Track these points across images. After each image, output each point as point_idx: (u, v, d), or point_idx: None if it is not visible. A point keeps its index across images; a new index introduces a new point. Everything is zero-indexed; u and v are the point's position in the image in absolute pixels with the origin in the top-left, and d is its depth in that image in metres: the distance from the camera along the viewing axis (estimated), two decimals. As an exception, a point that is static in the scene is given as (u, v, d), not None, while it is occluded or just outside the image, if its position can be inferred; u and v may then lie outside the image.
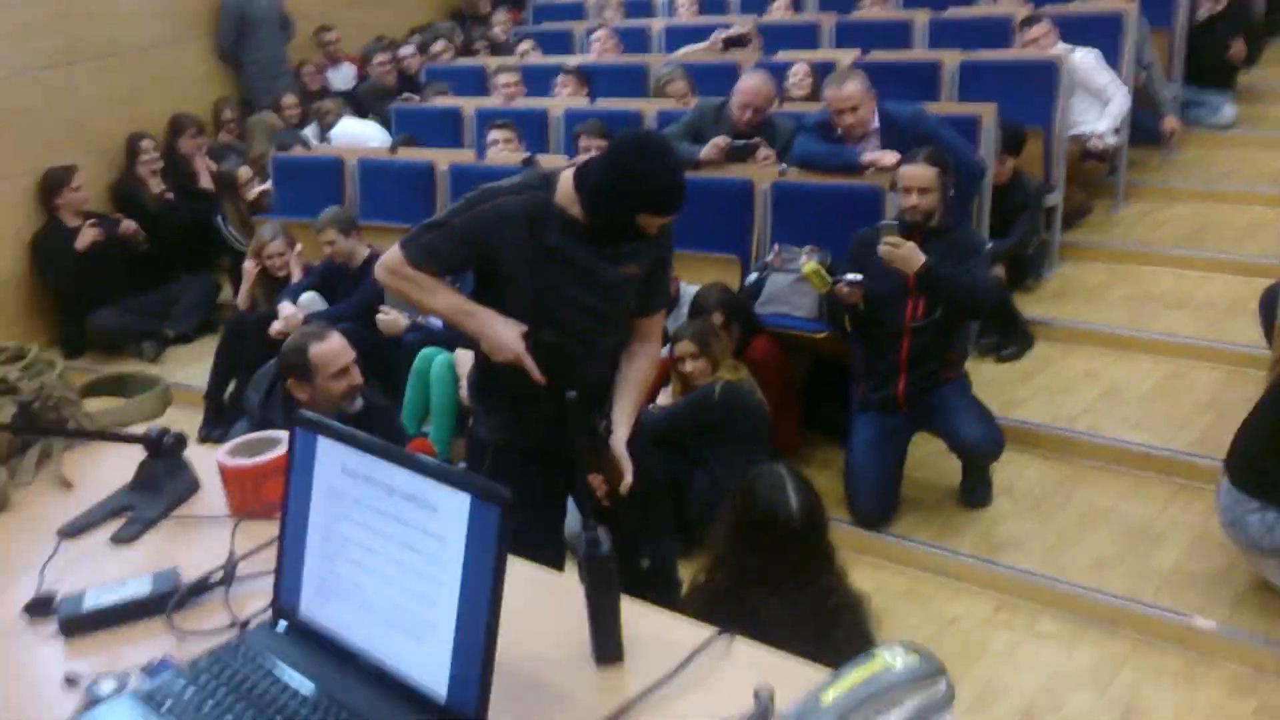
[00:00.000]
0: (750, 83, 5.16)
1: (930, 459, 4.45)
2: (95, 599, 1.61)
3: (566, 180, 2.62)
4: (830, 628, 2.39)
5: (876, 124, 4.82)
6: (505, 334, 2.60)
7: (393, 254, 2.65)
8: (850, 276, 3.94)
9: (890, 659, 1.22)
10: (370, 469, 1.39)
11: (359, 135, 6.92)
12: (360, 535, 1.40)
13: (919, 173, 4.02)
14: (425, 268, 2.61)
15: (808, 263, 4.07)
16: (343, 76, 8.57)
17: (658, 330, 2.93)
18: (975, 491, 4.21)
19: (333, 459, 1.44)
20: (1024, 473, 4.38)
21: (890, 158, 4.53)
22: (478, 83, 7.50)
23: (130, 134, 7.24)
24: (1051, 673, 3.37)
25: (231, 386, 5.45)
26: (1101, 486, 4.25)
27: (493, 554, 1.24)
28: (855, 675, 1.21)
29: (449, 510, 1.29)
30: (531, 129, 6.24)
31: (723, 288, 4.46)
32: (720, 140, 5.03)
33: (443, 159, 5.88)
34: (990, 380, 4.90)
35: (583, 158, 5.06)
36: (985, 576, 3.83)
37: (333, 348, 3.44)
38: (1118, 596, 3.59)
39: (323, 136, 7.11)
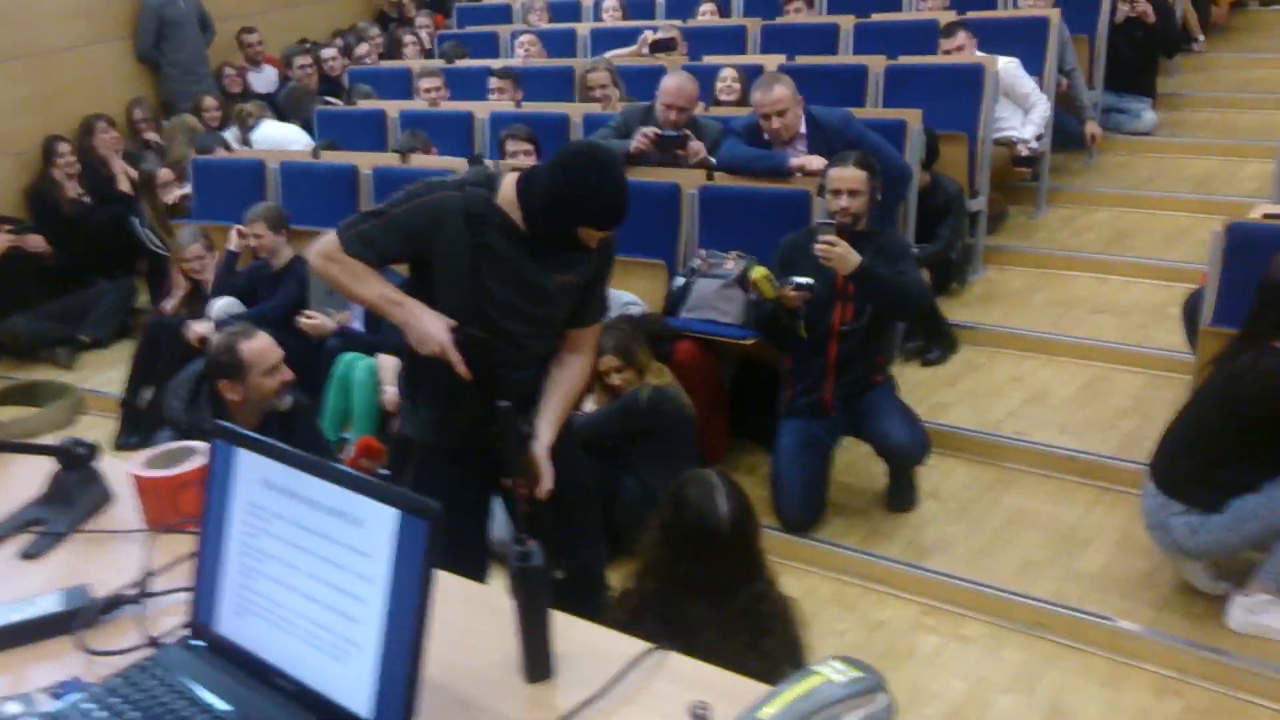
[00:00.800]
0: (673, 83, 5.13)
1: (857, 463, 4.47)
2: (1, 617, 1.53)
3: (509, 185, 2.62)
4: (760, 635, 2.37)
5: (804, 128, 4.83)
6: (432, 326, 2.56)
7: (328, 240, 2.62)
8: (800, 280, 3.93)
9: (829, 673, 1.20)
10: (293, 482, 1.34)
11: (281, 139, 6.80)
12: (282, 551, 1.35)
13: (849, 175, 4.05)
14: (359, 256, 2.58)
15: (756, 268, 4.05)
16: (265, 79, 8.43)
17: (592, 342, 2.94)
18: (902, 495, 4.23)
19: (253, 472, 1.39)
20: (950, 477, 4.42)
21: (818, 162, 4.55)
22: (403, 85, 7.41)
23: (46, 136, 7.07)
24: (978, 676, 3.39)
25: (150, 393, 5.32)
26: (1028, 490, 4.30)
27: (420, 570, 1.20)
28: (794, 691, 1.18)
29: (375, 525, 1.24)
30: (457, 132, 6.18)
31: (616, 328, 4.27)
32: (648, 130, 5.00)
33: (366, 162, 5.79)
34: (916, 385, 4.95)
35: (512, 162, 5.05)
36: (911, 581, 3.84)
37: (262, 345, 3.47)
38: (1043, 600, 3.62)
39: (243, 140, 6.97)
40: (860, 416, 4.14)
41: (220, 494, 1.43)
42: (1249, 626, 3.35)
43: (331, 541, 1.29)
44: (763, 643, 2.31)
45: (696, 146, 4.98)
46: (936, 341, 5.24)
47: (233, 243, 5.57)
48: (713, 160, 4.97)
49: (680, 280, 4.75)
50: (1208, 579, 3.51)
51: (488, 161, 5.25)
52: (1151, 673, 3.33)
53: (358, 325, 4.96)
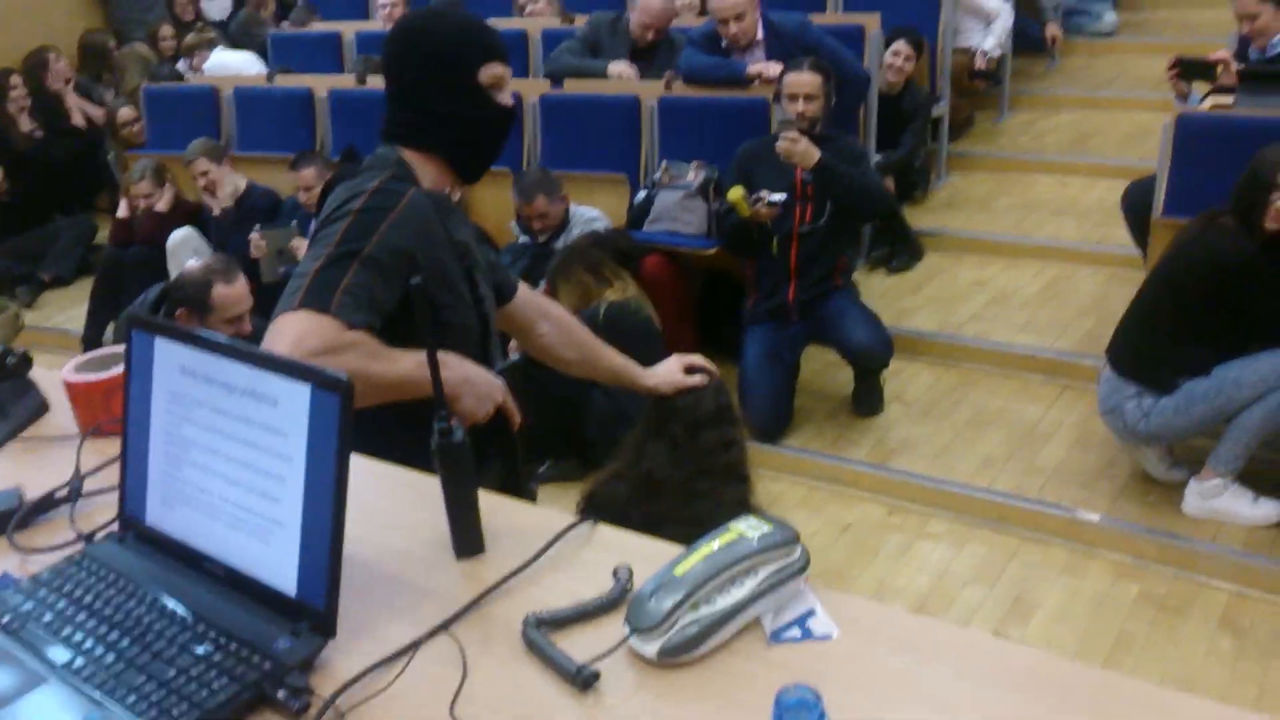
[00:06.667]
0: (656, 5, 5.11)
1: (824, 371, 4.50)
2: (-69, 521, 1.52)
3: (414, 156, 1.94)
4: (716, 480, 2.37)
5: (762, 34, 4.79)
6: (486, 375, 1.81)
7: (308, 325, 1.65)
8: (773, 197, 3.95)
9: (744, 529, 1.21)
10: (208, 367, 1.32)
11: (235, 67, 6.68)
12: (203, 437, 1.34)
13: (804, 79, 4.05)
14: (368, 324, 1.71)
15: (733, 189, 4.03)
16: (218, 6, 8.25)
17: (542, 298, 2.41)
18: (868, 400, 4.26)
19: (171, 360, 1.38)
20: (915, 380, 4.45)
21: (776, 69, 4.51)
22: (359, 5, 7.29)
23: (-4, 69, 6.92)
24: (942, 570, 3.44)
25: (110, 329, 5.28)
26: (990, 390, 4.34)
27: (335, 443, 1.19)
28: (709, 546, 1.19)
29: (289, 402, 1.23)
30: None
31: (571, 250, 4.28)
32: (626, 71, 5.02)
33: (322, 85, 5.72)
34: (882, 292, 4.97)
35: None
36: (878, 482, 3.89)
37: (236, 293, 3.38)
38: (1005, 494, 3.67)
39: (195, 70, 6.85)
40: (823, 322, 4.16)
41: (141, 386, 1.41)
42: (1203, 511, 3.41)
43: (249, 423, 1.28)
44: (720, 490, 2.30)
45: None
46: (902, 248, 5.26)
47: (121, 209, 5.50)
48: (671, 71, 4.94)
49: (642, 193, 4.73)
50: (1163, 467, 3.56)
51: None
52: (1110, 559, 3.39)
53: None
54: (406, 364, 1.70)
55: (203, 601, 1.29)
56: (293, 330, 1.64)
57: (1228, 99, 3.95)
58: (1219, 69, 4.07)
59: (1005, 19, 6.00)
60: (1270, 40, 4.21)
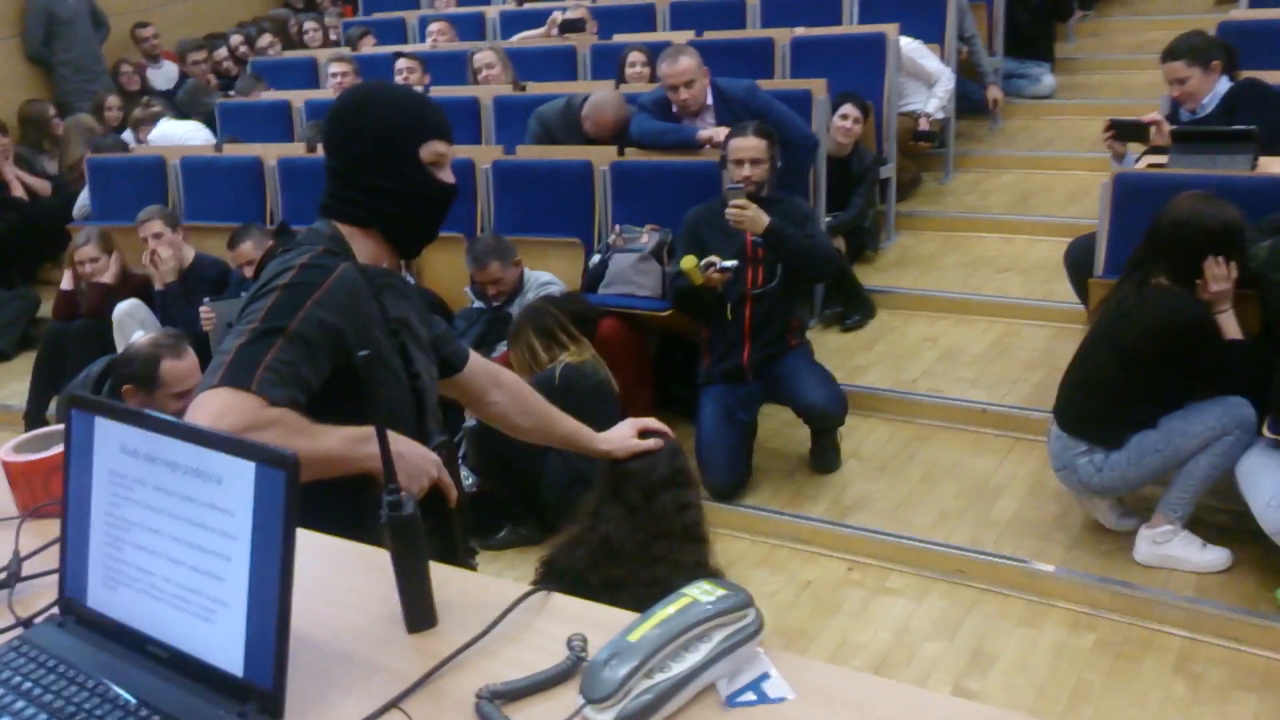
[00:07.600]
0: (608, 116, 5.09)
1: (781, 430, 4.52)
2: None
3: (351, 231, 1.93)
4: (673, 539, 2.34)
5: (711, 100, 4.85)
6: (417, 450, 1.80)
7: (227, 402, 1.64)
8: (724, 264, 3.98)
9: (697, 594, 1.20)
10: (150, 445, 1.30)
11: (181, 136, 6.66)
12: (145, 517, 1.31)
13: (749, 144, 4.10)
14: (292, 401, 1.69)
15: (686, 258, 4.05)
16: (164, 75, 8.26)
17: (495, 365, 2.39)
18: (825, 457, 4.27)
19: (111, 439, 1.35)
20: (870, 436, 4.48)
21: (726, 133, 4.57)
22: (307, 75, 7.31)
23: (-65, 143, 6.84)
24: (902, 625, 3.44)
25: (53, 405, 5.18)
26: (943, 444, 4.37)
27: (281, 520, 1.17)
28: (664, 612, 1.19)
29: (234, 481, 1.22)
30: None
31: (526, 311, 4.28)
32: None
33: (271, 153, 5.71)
34: (835, 350, 5.01)
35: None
36: (837, 539, 3.90)
37: (185, 368, 3.29)
38: (961, 548, 3.69)
39: (139, 140, 6.81)
40: (777, 381, 4.18)
41: (81, 465, 1.39)
42: (1154, 558, 3.45)
43: (193, 502, 1.26)
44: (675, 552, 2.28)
45: None
46: (854, 307, 5.30)
47: (65, 281, 5.42)
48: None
49: (596, 257, 4.75)
50: (1114, 516, 3.60)
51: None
52: (1066, 610, 3.41)
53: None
54: (331, 441, 1.70)
55: (146, 685, 1.26)
56: (211, 408, 1.63)
57: (1162, 158, 4.04)
58: (1152, 130, 4.17)
59: (947, 82, 6.12)
60: (1200, 102, 4.32)
